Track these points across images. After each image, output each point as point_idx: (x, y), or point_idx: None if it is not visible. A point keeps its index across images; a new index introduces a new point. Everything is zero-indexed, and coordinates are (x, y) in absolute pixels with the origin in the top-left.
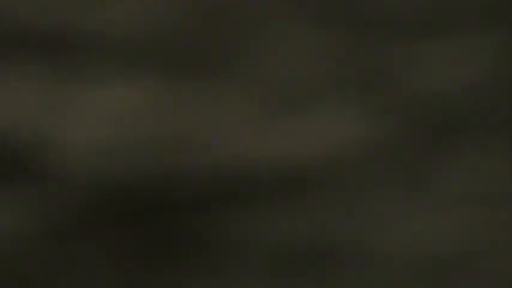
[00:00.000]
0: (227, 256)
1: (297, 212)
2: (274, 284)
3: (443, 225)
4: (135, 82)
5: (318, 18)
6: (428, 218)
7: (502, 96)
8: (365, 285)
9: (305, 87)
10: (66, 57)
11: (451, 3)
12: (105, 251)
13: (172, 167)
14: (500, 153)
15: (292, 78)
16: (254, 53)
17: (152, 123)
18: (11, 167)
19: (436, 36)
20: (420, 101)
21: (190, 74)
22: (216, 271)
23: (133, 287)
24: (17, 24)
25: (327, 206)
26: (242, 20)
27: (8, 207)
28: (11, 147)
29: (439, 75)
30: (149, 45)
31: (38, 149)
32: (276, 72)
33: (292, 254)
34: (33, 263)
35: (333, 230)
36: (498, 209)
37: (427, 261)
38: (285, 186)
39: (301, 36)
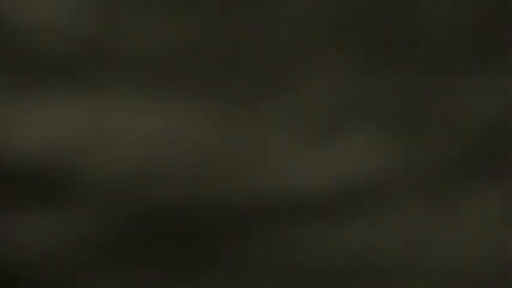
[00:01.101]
0: (263, 276)
1: (329, 234)
2: None
3: (469, 246)
4: (174, 107)
5: (354, 48)
6: (454, 240)
7: None
8: None
9: (337, 115)
10: (102, 82)
11: (488, 40)
12: (135, 276)
13: (207, 191)
14: None
15: (327, 107)
16: (288, 82)
17: (190, 148)
18: (48, 190)
19: (471, 71)
20: (450, 130)
21: (223, 100)
22: None
23: None
24: (48, 49)
25: (358, 228)
26: (278, 49)
27: (44, 227)
28: (48, 171)
29: (471, 108)
30: (189, 70)
31: (73, 173)
32: (311, 101)
33: (327, 273)
34: (66, 283)
35: (363, 250)
36: None
37: (459, 278)
38: (315, 210)
39: (337, 65)
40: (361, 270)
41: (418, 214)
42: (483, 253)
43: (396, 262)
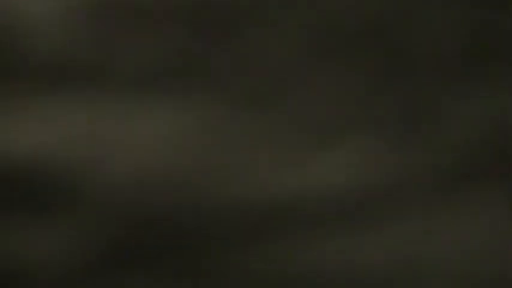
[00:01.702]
0: (258, 284)
1: (318, 243)
2: None
3: (469, 254)
4: (172, 115)
5: (349, 60)
6: (453, 249)
7: None
8: None
9: (333, 126)
10: (99, 89)
11: (479, 53)
12: (135, 283)
13: (203, 198)
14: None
15: (322, 118)
16: (285, 90)
17: (186, 155)
18: (46, 198)
19: (466, 81)
20: (445, 140)
21: (221, 108)
22: None
23: None
24: (56, 53)
25: (349, 236)
26: (273, 60)
27: (44, 234)
28: (47, 178)
29: (465, 117)
30: (191, 74)
31: (71, 180)
32: (307, 112)
33: (316, 283)
34: None
35: (356, 258)
36: (502, 251)
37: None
38: (310, 217)
39: (332, 77)
40: (359, 281)
41: (415, 224)
42: (483, 260)
43: (395, 273)
